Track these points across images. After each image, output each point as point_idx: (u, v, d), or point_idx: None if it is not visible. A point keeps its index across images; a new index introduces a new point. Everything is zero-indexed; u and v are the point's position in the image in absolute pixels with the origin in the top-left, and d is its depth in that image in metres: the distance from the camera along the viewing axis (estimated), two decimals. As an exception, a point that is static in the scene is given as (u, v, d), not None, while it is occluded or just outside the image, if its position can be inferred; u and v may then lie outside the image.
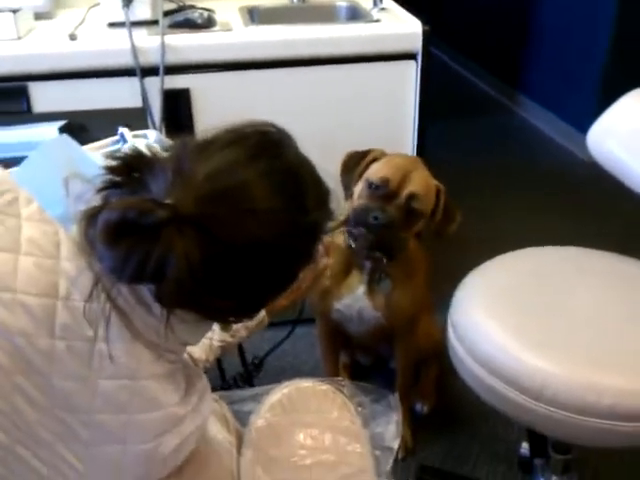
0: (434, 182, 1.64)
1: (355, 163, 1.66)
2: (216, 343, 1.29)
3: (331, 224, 0.97)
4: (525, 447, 1.83)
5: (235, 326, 1.31)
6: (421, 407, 2.07)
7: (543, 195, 3.30)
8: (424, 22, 2.03)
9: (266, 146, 0.89)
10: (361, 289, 1.72)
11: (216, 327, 1.27)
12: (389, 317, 1.74)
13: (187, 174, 0.82)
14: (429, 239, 1.68)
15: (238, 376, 1.68)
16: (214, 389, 1.19)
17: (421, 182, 1.60)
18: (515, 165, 3.60)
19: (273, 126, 0.93)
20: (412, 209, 1.58)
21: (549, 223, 3.02)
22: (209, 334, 1.27)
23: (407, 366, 1.90)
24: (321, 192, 0.94)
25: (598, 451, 1.87)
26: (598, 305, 1.37)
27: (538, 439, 1.64)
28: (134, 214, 0.78)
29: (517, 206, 3.21)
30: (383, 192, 1.57)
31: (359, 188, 1.62)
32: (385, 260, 1.67)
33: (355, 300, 1.73)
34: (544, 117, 3.96)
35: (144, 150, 0.88)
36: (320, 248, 0.98)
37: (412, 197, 1.57)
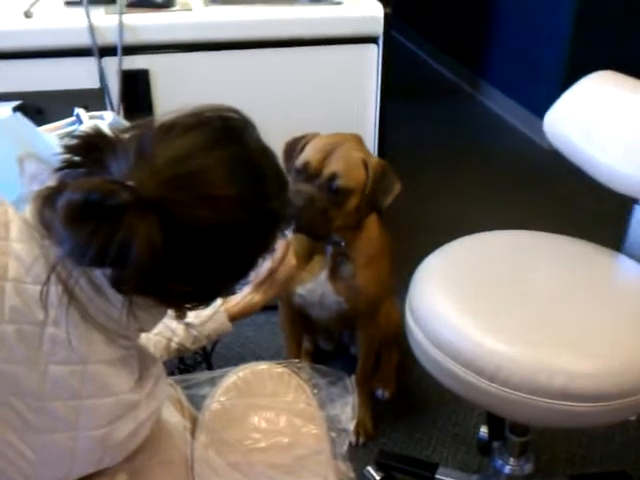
0: (360, 155, 1.58)
1: (293, 150, 1.62)
2: (174, 345, 1.24)
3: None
4: (484, 430, 1.85)
5: (196, 334, 1.26)
6: (382, 393, 2.08)
7: (502, 181, 3.32)
8: (385, 5, 2.01)
9: (228, 132, 0.88)
10: (323, 274, 1.71)
11: (178, 330, 1.23)
12: (351, 301, 1.74)
13: (149, 157, 0.81)
14: (365, 214, 1.61)
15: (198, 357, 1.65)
16: (171, 373, 1.18)
17: (343, 159, 1.55)
18: (475, 151, 3.62)
19: (236, 112, 0.92)
20: (337, 188, 1.54)
21: (508, 208, 3.05)
22: (169, 334, 1.23)
23: (368, 352, 1.91)
24: (281, 181, 0.94)
25: (555, 434, 1.92)
26: (552, 287, 1.38)
27: (496, 422, 1.66)
28: (98, 196, 0.76)
29: (476, 191, 3.23)
30: (305, 176, 1.55)
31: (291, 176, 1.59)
32: (343, 243, 1.66)
33: (317, 285, 1.72)
34: (505, 104, 3.98)
35: (105, 130, 0.86)
36: (279, 237, 0.97)
37: (333, 176, 1.53)
